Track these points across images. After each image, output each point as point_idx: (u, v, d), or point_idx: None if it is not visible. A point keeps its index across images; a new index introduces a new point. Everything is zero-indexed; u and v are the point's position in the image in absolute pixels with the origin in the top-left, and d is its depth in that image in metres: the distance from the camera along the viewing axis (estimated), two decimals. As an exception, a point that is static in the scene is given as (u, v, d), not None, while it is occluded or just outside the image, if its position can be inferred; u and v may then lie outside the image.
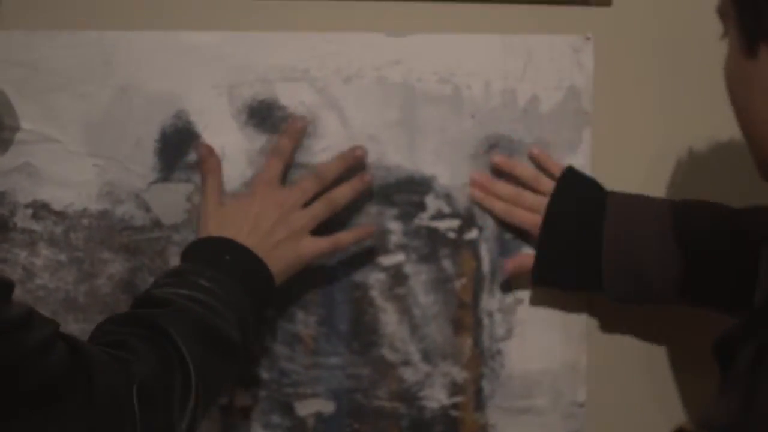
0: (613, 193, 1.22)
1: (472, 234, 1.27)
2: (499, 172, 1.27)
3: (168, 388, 0.99)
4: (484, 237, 1.27)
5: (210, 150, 1.24)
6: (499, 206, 1.26)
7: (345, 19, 1.26)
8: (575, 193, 1.23)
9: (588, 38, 1.26)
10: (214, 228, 1.18)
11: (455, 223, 1.27)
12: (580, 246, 1.21)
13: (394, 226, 1.27)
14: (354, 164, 1.24)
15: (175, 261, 1.24)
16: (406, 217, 1.27)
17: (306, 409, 1.27)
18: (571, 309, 1.29)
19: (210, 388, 1.04)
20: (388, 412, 1.28)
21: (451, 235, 1.27)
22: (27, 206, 1.24)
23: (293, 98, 1.25)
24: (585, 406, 1.29)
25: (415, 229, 1.27)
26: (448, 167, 1.27)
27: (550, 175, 1.25)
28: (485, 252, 1.28)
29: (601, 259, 1.19)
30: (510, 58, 1.26)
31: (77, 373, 0.89)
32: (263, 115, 1.25)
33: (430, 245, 1.27)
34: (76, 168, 1.24)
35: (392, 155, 1.26)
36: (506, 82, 1.26)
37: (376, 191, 1.26)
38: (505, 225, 1.27)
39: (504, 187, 1.26)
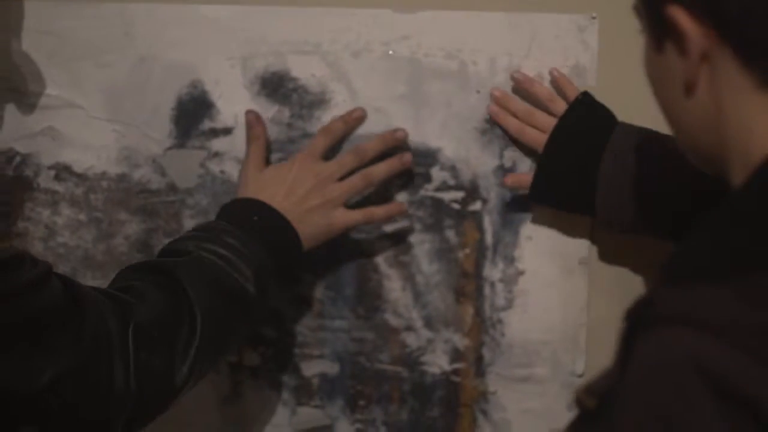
0: (624, 123, 1.27)
1: (476, 205, 1.34)
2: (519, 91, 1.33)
3: (171, 332, 1.07)
4: (488, 209, 1.34)
5: (257, 117, 1.31)
6: (512, 123, 1.32)
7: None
8: (585, 117, 1.28)
9: (593, 17, 1.32)
10: (252, 191, 1.25)
11: (459, 194, 1.34)
12: (580, 169, 1.26)
13: (400, 196, 1.34)
14: (394, 145, 1.31)
15: (188, 223, 1.33)
16: (411, 187, 1.34)
17: (311, 369, 1.35)
18: (572, 281, 1.34)
19: (218, 337, 1.13)
20: (391, 376, 1.35)
21: (455, 206, 1.34)
22: (50, 168, 1.34)
23: (304, 70, 1.33)
24: (584, 377, 1.36)
25: (421, 200, 1.34)
26: (453, 140, 1.34)
27: (568, 100, 1.30)
28: (488, 223, 1.34)
29: (597, 184, 1.25)
30: (516, 35, 1.33)
31: (69, 309, 0.98)
32: (275, 86, 1.34)
33: (435, 215, 1.35)
34: (96, 133, 1.33)
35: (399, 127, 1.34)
36: (512, 59, 1.33)
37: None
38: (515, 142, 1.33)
39: (519, 104, 1.32)
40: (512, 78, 1.33)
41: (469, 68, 1.33)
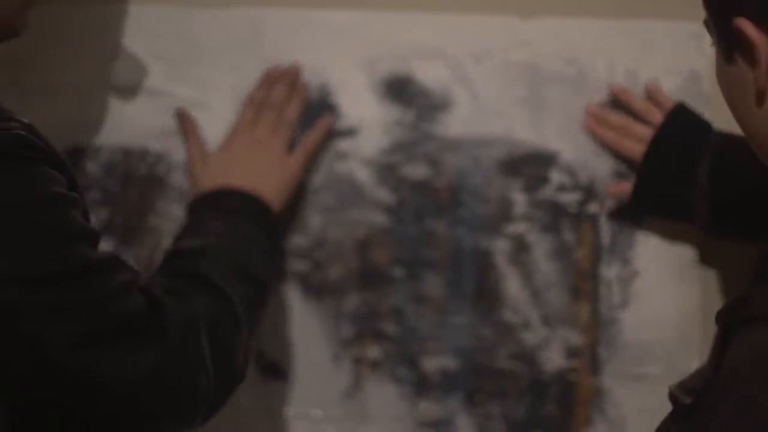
0: (719, 132, 1.32)
1: (593, 207, 1.40)
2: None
3: (223, 327, 1.14)
4: (604, 211, 1.40)
5: (184, 115, 1.40)
6: (609, 135, 1.39)
7: (478, 2, 1.40)
8: (681, 127, 1.34)
9: (710, 24, 1.38)
10: (207, 182, 1.32)
11: (577, 196, 1.40)
12: (679, 178, 1.32)
13: (519, 197, 1.40)
14: (292, 78, 1.39)
15: (314, 221, 1.41)
16: (530, 189, 1.40)
17: (431, 364, 1.41)
18: (687, 281, 1.40)
19: (251, 321, 1.20)
20: (508, 372, 1.41)
21: (573, 207, 1.41)
22: (182, 166, 1.41)
23: (427, 74, 1.40)
24: (697, 376, 1.41)
25: (539, 201, 1.40)
26: (571, 143, 1.40)
27: (665, 110, 1.36)
28: (605, 225, 1.40)
29: (695, 191, 1.31)
30: (632, 42, 1.40)
31: (152, 314, 1.04)
32: (399, 89, 1.40)
33: (553, 216, 1.41)
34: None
35: (519, 131, 1.40)
36: (628, 64, 1.39)
37: (504, 163, 1.40)
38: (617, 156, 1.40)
39: (616, 117, 1.39)
40: (610, 89, 1.39)
41: (587, 73, 1.39)
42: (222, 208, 1.28)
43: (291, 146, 1.37)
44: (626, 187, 1.37)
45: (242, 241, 1.25)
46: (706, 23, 0.95)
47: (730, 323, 0.84)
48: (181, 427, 1.10)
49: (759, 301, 0.83)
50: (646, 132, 1.36)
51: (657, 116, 1.36)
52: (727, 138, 1.31)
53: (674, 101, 1.37)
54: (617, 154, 1.40)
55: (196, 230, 1.26)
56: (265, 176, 1.32)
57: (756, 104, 0.90)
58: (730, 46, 0.90)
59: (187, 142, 1.39)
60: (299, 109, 1.39)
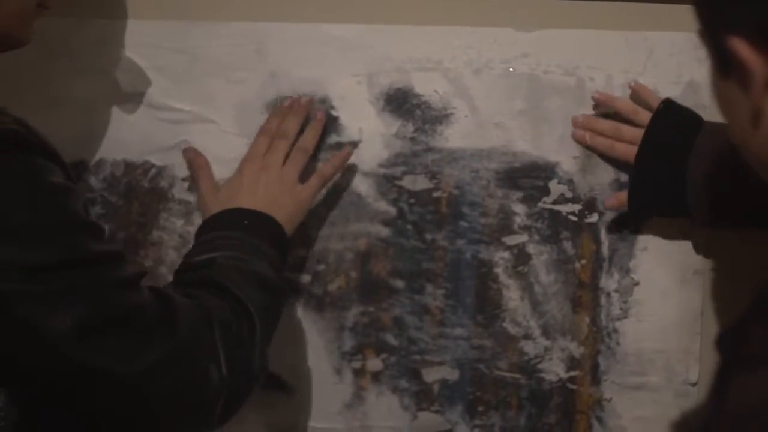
0: (709, 122, 1.34)
1: (593, 218, 1.44)
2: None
3: (238, 328, 1.17)
4: (604, 221, 1.44)
5: (196, 152, 1.43)
6: (600, 142, 1.42)
7: (477, 14, 1.44)
8: (671, 123, 1.36)
9: (708, 35, 1.41)
10: (216, 208, 1.35)
11: (577, 207, 1.44)
12: (672, 173, 1.34)
13: (519, 209, 1.44)
14: (306, 113, 1.42)
15: (314, 233, 1.45)
16: (530, 200, 1.44)
17: (432, 375, 1.45)
18: (686, 291, 1.44)
19: (267, 324, 1.24)
20: (509, 383, 1.45)
21: (573, 218, 1.44)
22: (184, 179, 1.45)
23: (427, 87, 1.44)
24: (698, 386, 1.44)
25: (539, 212, 1.44)
26: (571, 154, 1.44)
27: (650, 108, 1.38)
28: (604, 235, 1.44)
29: (688, 185, 1.32)
30: (632, 53, 1.43)
31: (161, 308, 1.08)
32: (399, 101, 1.44)
33: (552, 227, 1.44)
34: (228, 146, 1.43)
35: (518, 142, 1.44)
36: (628, 75, 1.43)
37: (503, 175, 1.44)
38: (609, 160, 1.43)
39: (604, 124, 1.42)
40: (593, 98, 1.43)
41: (587, 84, 1.43)
42: (230, 225, 1.31)
43: (307, 174, 1.39)
44: (623, 196, 1.40)
45: (252, 252, 1.28)
46: (700, 35, 0.92)
47: (731, 359, 0.84)
48: (198, 423, 1.14)
49: (760, 341, 0.81)
50: (636, 133, 1.38)
51: (645, 116, 1.38)
52: (718, 128, 1.32)
53: (661, 99, 1.38)
54: (613, 160, 1.43)
55: (204, 246, 1.29)
56: (275, 202, 1.35)
57: (751, 125, 0.87)
58: (725, 62, 0.88)
59: (198, 176, 1.42)
60: (316, 138, 1.42)
